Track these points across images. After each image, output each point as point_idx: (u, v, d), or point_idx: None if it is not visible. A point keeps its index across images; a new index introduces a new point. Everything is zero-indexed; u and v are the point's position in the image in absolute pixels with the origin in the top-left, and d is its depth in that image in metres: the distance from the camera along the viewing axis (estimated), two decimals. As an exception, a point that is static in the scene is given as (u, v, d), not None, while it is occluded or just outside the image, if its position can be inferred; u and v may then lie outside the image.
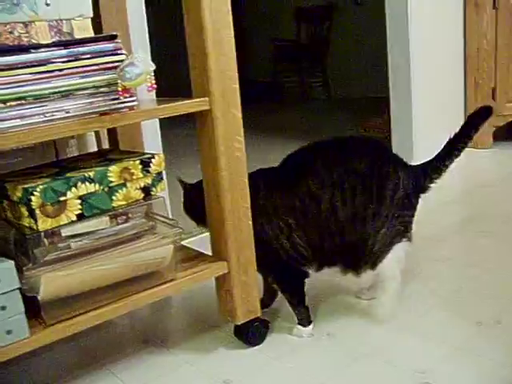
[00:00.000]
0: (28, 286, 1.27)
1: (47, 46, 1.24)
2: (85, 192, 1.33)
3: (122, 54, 1.31)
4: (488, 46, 3.46)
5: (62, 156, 1.85)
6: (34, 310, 1.31)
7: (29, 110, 1.22)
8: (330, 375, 1.46)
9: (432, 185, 1.68)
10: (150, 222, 1.45)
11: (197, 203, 1.59)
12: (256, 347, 1.61)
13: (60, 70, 1.25)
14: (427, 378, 1.41)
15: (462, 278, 1.93)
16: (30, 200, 1.25)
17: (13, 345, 1.26)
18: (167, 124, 2.13)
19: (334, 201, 1.55)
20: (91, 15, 1.37)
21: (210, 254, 1.59)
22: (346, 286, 1.71)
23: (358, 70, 6.65)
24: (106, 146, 1.89)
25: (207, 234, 1.60)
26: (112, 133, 1.79)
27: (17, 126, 1.20)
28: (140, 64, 1.25)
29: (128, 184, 1.39)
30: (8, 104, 1.19)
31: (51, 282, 1.30)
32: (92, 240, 1.36)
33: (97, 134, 1.91)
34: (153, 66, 1.28)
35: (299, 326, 1.65)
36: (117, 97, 1.30)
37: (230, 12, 1.40)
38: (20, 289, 1.26)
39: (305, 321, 1.65)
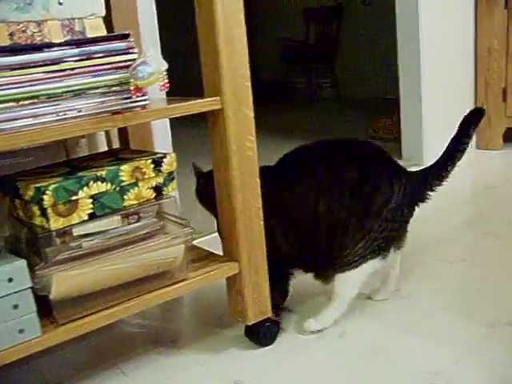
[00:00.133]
0: (40, 285, 1.27)
1: (60, 44, 1.24)
2: (96, 191, 1.32)
3: (134, 52, 1.30)
4: (499, 45, 3.44)
5: (73, 155, 1.85)
6: (46, 309, 1.31)
7: (41, 109, 1.21)
8: (340, 376, 1.46)
9: (432, 193, 1.64)
10: (162, 222, 1.45)
11: (209, 191, 1.59)
12: (267, 348, 1.60)
13: (72, 68, 1.24)
14: (436, 379, 1.40)
15: (470, 278, 1.93)
16: (42, 199, 1.25)
17: (25, 344, 1.25)
18: (177, 123, 2.12)
19: (316, 208, 1.55)
20: (103, 14, 1.36)
21: (220, 253, 1.59)
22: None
23: (367, 71, 6.64)
24: (116, 145, 1.89)
25: (217, 234, 1.61)
26: (123, 132, 1.79)
27: (29, 125, 1.20)
28: (152, 63, 1.24)
29: (140, 183, 1.39)
30: (20, 103, 1.19)
31: (63, 282, 1.29)
32: (103, 239, 1.36)
33: (107, 133, 1.91)
34: (165, 65, 1.27)
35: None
36: (129, 96, 1.30)
37: (243, 10, 1.40)
38: (32, 288, 1.26)
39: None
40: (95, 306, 1.35)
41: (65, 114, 1.24)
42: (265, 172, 1.57)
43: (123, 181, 1.36)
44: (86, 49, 1.26)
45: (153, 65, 1.24)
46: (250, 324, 1.58)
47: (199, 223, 1.67)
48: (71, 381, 1.55)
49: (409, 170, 1.67)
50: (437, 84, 3.37)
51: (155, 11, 2.14)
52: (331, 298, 1.65)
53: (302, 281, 1.74)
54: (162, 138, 2.11)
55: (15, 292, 1.24)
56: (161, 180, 1.43)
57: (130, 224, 1.40)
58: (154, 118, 1.37)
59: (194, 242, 1.72)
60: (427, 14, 3.23)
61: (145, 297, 1.40)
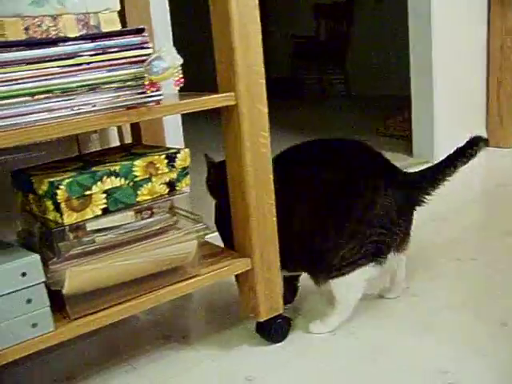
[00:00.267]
0: (53, 279, 1.27)
1: (75, 39, 1.24)
2: (110, 186, 1.32)
3: (148, 47, 1.30)
4: (512, 44, 3.43)
5: (84, 150, 1.85)
6: (59, 304, 1.31)
7: (56, 104, 1.21)
8: (352, 373, 1.46)
9: (428, 196, 1.60)
10: (175, 217, 1.44)
11: (220, 182, 1.58)
12: (278, 344, 1.60)
13: (87, 63, 1.24)
14: (446, 377, 1.40)
15: (481, 277, 1.92)
16: (56, 194, 1.25)
17: (38, 338, 1.26)
18: (187, 118, 2.12)
19: (294, 211, 1.55)
20: (118, 8, 1.36)
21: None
22: (369, 284, 1.69)
23: (377, 67, 6.62)
24: (127, 140, 1.89)
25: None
26: (135, 127, 1.78)
27: (44, 120, 1.20)
28: (167, 58, 1.24)
29: (153, 179, 1.39)
30: (36, 97, 1.19)
31: (76, 277, 1.29)
32: (116, 234, 1.36)
33: (119, 128, 1.91)
34: (180, 60, 1.27)
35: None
36: (143, 91, 1.30)
37: (257, 6, 1.39)
38: (45, 282, 1.26)
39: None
40: (108, 301, 1.35)
41: (79, 109, 1.24)
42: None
43: (136, 176, 1.36)
44: (101, 43, 1.26)
45: (168, 60, 1.24)
46: (261, 320, 1.57)
47: (210, 218, 1.67)
48: (82, 375, 1.55)
49: (406, 171, 1.65)
50: (448, 82, 3.36)
51: (168, 7, 2.14)
52: (334, 304, 1.64)
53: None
54: (173, 134, 2.11)
55: (28, 286, 1.24)
56: (174, 175, 1.42)
57: (142, 219, 1.40)
58: (168, 113, 1.37)
59: (206, 238, 1.72)
60: (440, 12, 3.21)
61: (157, 292, 1.40)
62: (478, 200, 2.75)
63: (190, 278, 1.45)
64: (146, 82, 1.28)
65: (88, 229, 1.32)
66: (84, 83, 1.24)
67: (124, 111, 1.28)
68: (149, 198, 1.39)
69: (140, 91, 1.30)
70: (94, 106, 1.26)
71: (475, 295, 1.79)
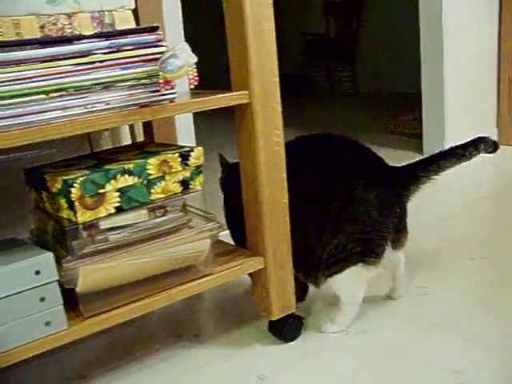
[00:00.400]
0: (66, 278, 1.27)
1: (89, 37, 1.23)
2: (124, 184, 1.32)
3: (163, 45, 1.30)
4: (524, 42, 3.42)
5: (96, 148, 1.85)
6: (72, 302, 1.30)
7: (70, 102, 1.21)
8: (364, 372, 1.45)
9: (414, 194, 1.57)
10: (188, 216, 1.44)
11: (234, 182, 1.58)
12: (290, 343, 1.59)
13: (101, 61, 1.24)
14: (460, 378, 1.39)
15: (491, 276, 1.92)
16: (70, 192, 1.24)
17: (51, 336, 1.26)
18: (199, 116, 2.11)
19: None
20: (133, 6, 1.36)
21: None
22: (377, 285, 1.69)
23: (387, 65, 6.59)
24: (140, 138, 1.89)
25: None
26: (147, 125, 1.78)
27: (58, 118, 1.20)
28: (182, 56, 1.23)
29: (166, 177, 1.38)
30: (50, 95, 1.18)
31: (89, 275, 1.29)
32: (130, 233, 1.35)
33: (131, 126, 1.91)
34: (194, 58, 1.26)
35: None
36: (157, 89, 1.29)
37: (271, 4, 1.39)
38: (58, 281, 1.26)
39: None
40: (121, 300, 1.35)
41: (93, 107, 1.24)
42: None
43: (150, 174, 1.36)
44: (116, 41, 1.25)
45: (182, 58, 1.23)
46: (274, 319, 1.57)
47: (222, 216, 1.67)
48: (94, 373, 1.55)
49: (394, 165, 1.61)
50: (459, 81, 3.35)
51: (179, 4, 2.13)
52: (339, 305, 1.63)
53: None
54: (185, 131, 2.10)
55: (42, 285, 1.24)
56: (188, 174, 1.42)
57: (156, 218, 1.39)
58: (182, 111, 1.37)
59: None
60: (451, 10, 3.20)
61: (170, 291, 1.40)
62: (489, 198, 2.73)
63: (203, 276, 1.45)
64: (161, 80, 1.27)
65: (101, 227, 1.32)
66: (98, 81, 1.24)
67: (137, 109, 1.28)
68: (162, 196, 1.39)
69: (154, 89, 1.30)
70: (108, 104, 1.25)
71: (487, 294, 1.77)
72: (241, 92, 1.40)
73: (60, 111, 1.20)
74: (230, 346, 1.61)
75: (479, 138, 1.58)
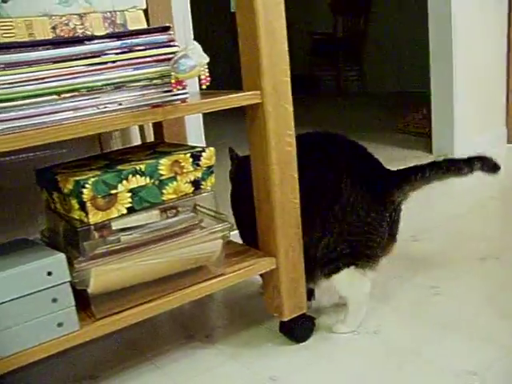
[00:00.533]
0: (78, 279, 1.27)
1: (101, 37, 1.23)
2: (135, 185, 1.32)
3: (175, 45, 1.29)
4: (533, 40, 3.40)
5: (106, 148, 1.85)
6: (84, 303, 1.30)
7: (82, 102, 1.21)
8: (376, 373, 1.44)
9: (403, 199, 1.54)
10: (200, 216, 1.44)
11: (243, 176, 1.58)
12: (302, 344, 1.59)
13: (113, 61, 1.24)
14: (474, 379, 1.38)
15: (502, 276, 1.90)
16: (82, 193, 1.24)
17: (63, 337, 1.25)
18: (209, 116, 2.11)
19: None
20: (144, 7, 1.35)
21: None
22: (389, 285, 1.68)
23: (395, 64, 6.58)
24: (150, 138, 1.89)
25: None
26: (157, 126, 1.78)
27: (70, 118, 1.19)
28: (194, 56, 1.23)
29: (178, 177, 1.38)
30: (62, 96, 1.18)
31: (101, 276, 1.29)
32: (142, 234, 1.35)
33: (141, 126, 1.91)
34: (206, 59, 1.26)
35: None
36: (170, 89, 1.29)
37: (283, 2, 1.38)
38: (70, 282, 1.26)
39: None
40: (133, 301, 1.35)
41: (105, 107, 1.23)
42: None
43: (162, 175, 1.35)
44: (128, 41, 1.25)
45: (194, 58, 1.23)
46: (285, 320, 1.56)
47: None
48: (105, 374, 1.55)
49: (389, 168, 1.57)
50: (469, 80, 3.34)
51: (189, 4, 2.13)
52: (347, 305, 1.63)
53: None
54: (194, 132, 2.10)
55: (54, 286, 1.23)
56: (199, 174, 1.42)
57: (167, 218, 1.39)
58: (194, 111, 1.36)
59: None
60: (459, 10, 3.19)
61: (182, 292, 1.40)
62: (498, 197, 2.72)
63: (215, 277, 1.45)
64: (173, 81, 1.27)
65: (113, 228, 1.32)
66: (110, 82, 1.23)
67: (149, 110, 1.28)
68: (174, 196, 1.38)
69: (166, 89, 1.29)
70: (120, 104, 1.25)
71: (498, 294, 1.77)
72: (252, 92, 1.39)
73: (72, 112, 1.20)
74: (242, 347, 1.61)
75: (481, 157, 1.52)
